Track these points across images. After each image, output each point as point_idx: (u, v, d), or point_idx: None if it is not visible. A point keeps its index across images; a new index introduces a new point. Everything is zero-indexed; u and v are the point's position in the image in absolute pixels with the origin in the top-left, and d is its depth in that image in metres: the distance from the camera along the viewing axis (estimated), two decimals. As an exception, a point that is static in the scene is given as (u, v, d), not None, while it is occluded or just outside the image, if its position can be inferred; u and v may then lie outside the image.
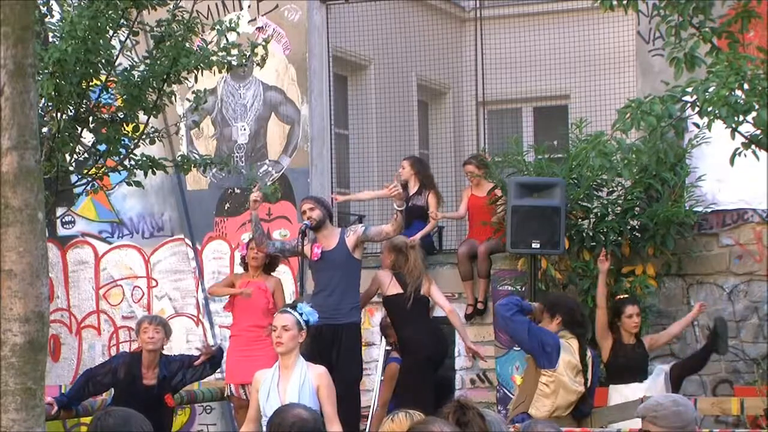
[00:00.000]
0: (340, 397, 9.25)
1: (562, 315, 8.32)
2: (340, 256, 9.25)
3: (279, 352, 7.26)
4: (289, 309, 7.40)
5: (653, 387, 9.09)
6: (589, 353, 8.31)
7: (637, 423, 6.52)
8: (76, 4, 8.97)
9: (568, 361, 8.04)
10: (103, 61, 8.90)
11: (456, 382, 11.24)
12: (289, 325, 7.24)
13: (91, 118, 9.19)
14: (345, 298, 9.23)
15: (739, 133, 7.47)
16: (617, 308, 9.56)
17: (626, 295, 9.92)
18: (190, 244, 12.34)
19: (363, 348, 9.84)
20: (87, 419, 10.04)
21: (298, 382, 7.13)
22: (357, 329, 9.42)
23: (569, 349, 8.09)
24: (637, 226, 10.66)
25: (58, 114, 8.90)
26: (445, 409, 4.15)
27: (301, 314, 7.32)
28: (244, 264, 10.06)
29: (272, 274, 10.05)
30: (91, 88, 9.05)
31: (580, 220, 10.66)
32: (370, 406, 10.30)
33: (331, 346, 9.02)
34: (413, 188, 11.31)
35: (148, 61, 9.23)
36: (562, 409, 8.10)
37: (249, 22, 12.02)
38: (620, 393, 9.22)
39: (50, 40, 9.04)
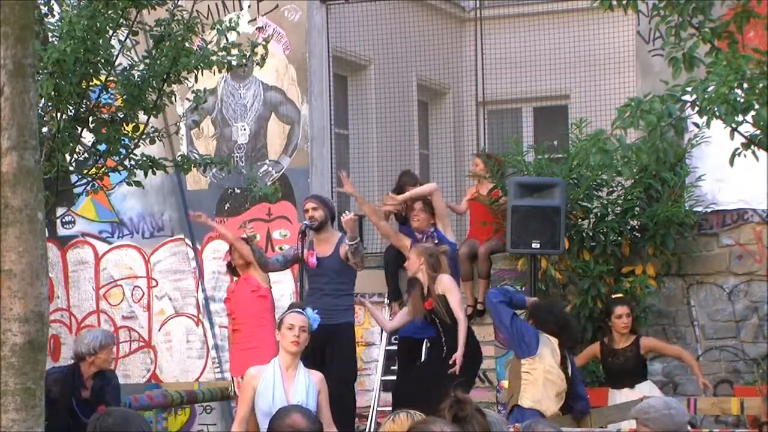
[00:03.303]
0: (335, 396, 9.27)
1: (533, 318, 8.53)
2: (334, 263, 9.27)
3: (292, 352, 7.19)
4: (301, 311, 7.36)
5: (647, 392, 9.04)
6: (565, 353, 8.40)
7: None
8: (74, 4, 8.96)
9: (550, 352, 8.16)
10: (103, 60, 8.89)
11: (456, 382, 11.22)
12: (306, 326, 7.24)
13: (91, 118, 9.17)
14: (339, 298, 9.22)
15: (739, 133, 7.46)
16: (608, 308, 9.61)
17: (619, 295, 9.91)
18: (190, 244, 12.33)
19: (363, 348, 9.82)
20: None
21: (304, 384, 7.13)
22: (351, 329, 9.40)
23: (549, 343, 8.21)
24: (637, 226, 10.66)
25: (58, 114, 8.88)
26: (442, 405, 4.13)
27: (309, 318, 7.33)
28: (233, 269, 9.96)
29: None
30: (91, 88, 9.04)
31: (580, 220, 10.66)
32: (369, 406, 10.31)
33: (324, 345, 8.96)
34: None
35: (148, 61, 9.22)
36: (552, 399, 8.12)
37: (249, 22, 12.01)
38: (617, 397, 9.25)
39: (50, 40, 9.03)
